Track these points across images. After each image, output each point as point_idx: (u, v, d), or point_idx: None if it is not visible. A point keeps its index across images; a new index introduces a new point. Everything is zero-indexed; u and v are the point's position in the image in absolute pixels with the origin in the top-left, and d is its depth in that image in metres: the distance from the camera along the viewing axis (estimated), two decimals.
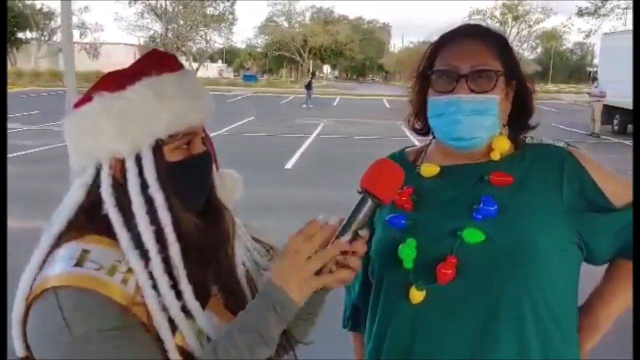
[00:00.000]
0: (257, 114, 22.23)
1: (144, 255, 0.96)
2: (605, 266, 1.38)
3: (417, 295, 1.24)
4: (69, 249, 0.96)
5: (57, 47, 49.22)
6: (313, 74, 32.74)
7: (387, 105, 31.77)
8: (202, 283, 1.01)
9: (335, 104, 32.18)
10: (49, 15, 50.34)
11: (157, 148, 1.00)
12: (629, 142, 16.06)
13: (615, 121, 18.42)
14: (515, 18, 51.20)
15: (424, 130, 1.40)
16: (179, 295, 0.97)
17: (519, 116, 1.35)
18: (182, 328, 0.96)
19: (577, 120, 21.15)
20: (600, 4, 32.76)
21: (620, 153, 13.44)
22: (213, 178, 1.12)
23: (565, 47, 59.99)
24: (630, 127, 18.13)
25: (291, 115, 22.34)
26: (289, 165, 11.39)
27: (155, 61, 1.05)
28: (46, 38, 52.72)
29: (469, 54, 1.28)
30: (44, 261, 0.97)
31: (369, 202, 1.07)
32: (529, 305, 1.21)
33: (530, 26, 54.49)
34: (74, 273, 0.93)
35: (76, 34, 51.73)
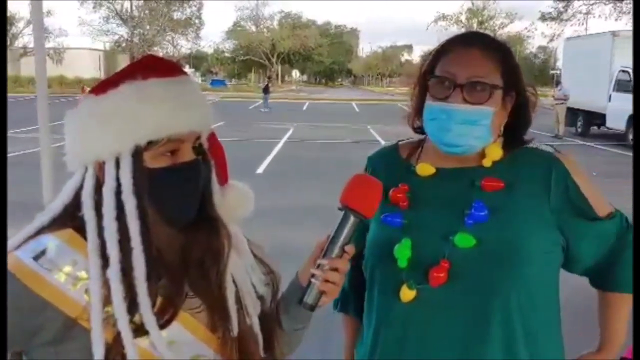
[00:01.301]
0: (226, 119, 22.10)
1: (106, 263, 0.94)
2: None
3: (407, 294, 1.27)
4: (39, 241, 0.96)
5: (19, 53, 48.14)
6: (269, 78, 33.13)
7: (357, 109, 31.92)
8: (170, 298, 0.98)
9: (304, 108, 32.20)
10: (11, 20, 49.20)
11: (136, 153, 0.97)
12: (591, 144, 16.45)
13: (579, 123, 18.84)
14: (480, 23, 52.01)
15: (422, 129, 1.42)
16: (136, 307, 0.94)
17: (516, 127, 1.36)
18: (126, 343, 0.92)
19: (542, 122, 21.54)
20: (562, 9, 33.52)
21: (583, 154, 13.75)
22: (211, 190, 1.06)
23: (529, 51, 61.30)
24: (593, 129, 18.57)
25: (260, 120, 22.26)
26: (259, 170, 11.34)
27: (145, 66, 1.03)
28: (7, 43, 51.52)
29: (468, 63, 1.29)
30: (18, 247, 0.97)
31: (352, 219, 1.08)
32: (516, 305, 1.25)
33: (494, 31, 55.42)
34: (25, 265, 0.94)
35: None
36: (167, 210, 1.00)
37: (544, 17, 35.57)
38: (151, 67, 1.02)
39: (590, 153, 14.42)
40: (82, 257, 0.95)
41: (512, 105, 1.34)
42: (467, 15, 53.92)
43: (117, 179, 0.96)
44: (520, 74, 1.35)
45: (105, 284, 0.93)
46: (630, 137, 15.49)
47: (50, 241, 0.96)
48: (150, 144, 0.97)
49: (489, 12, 54.05)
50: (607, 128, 17.46)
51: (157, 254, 0.97)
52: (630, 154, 14.17)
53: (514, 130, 1.36)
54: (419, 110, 1.39)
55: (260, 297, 1.12)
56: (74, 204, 1.00)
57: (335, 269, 1.08)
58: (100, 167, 0.99)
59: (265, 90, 30.13)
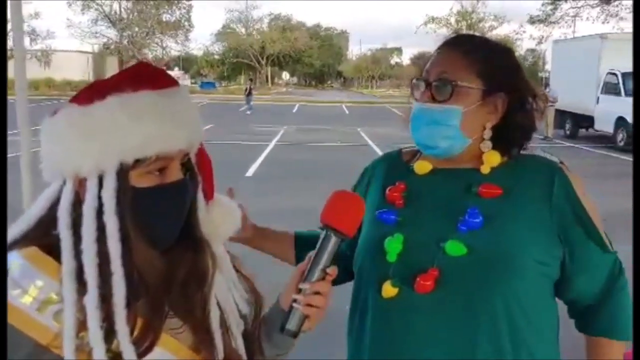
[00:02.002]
0: (215, 121, 22.03)
1: (82, 287, 0.86)
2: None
3: (389, 291, 1.24)
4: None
5: (7, 55, 47.66)
6: (251, 80, 33.66)
7: (346, 112, 31.94)
8: (150, 323, 0.91)
9: (294, 110, 32.16)
10: None
11: (122, 172, 0.90)
12: (579, 146, 16.55)
13: (567, 126, 18.95)
14: (470, 26, 52.27)
15: None
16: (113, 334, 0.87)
17: (508, 133, 1.30)
18: None
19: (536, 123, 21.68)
20: (550, 12, 33.75)
21: (571, 156, 13.83)
22: (196, 208, 1.00)
23: (518, 54, 61.49)
24: (581, 131, 18.68)
25: (251, 123, 22.21)
26: (249, 173, 11.29)
27: (135, 76, 0.95)
28: None
29: (440, 61, 1.29)
30: None
31: (333, 239, 1.03)
32: (505, 319, 1.21)
33: (484, 33, 55.64)
34: None
35: (26, 41, 50.31)
36: (151, 232, 0.93)
37: (532, 20, 35.80)
38: (142, 77, 0.95)
39: (579, 155, 14.50)
40: (49, 278, 0.88)
41: (506, 108, 1.29)
42: (456, 18, 54.17)
43: (99, 198, 0.89)
44: (512, 75, 1.30)
45: (81, 310, 0.86)
46: (619, 138, 15.61)
47: (15, 260, 0.89)
48: (137, 161, 0.90)
49: (477, 15, 54.35)
50: (595, 130, 17.57)
51: (138, 277, 0.91)
52: (619, 155, 14.29)
53: (505, 135, 1.29)
54: None
55: (244, 317, 1.07)
56: (49, 219, 0.93)
57: (318, 293, 1.03)
58: (80, 183, 0.91)
59: (248, 92, 30.26)
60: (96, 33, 50.64)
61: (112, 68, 47.71)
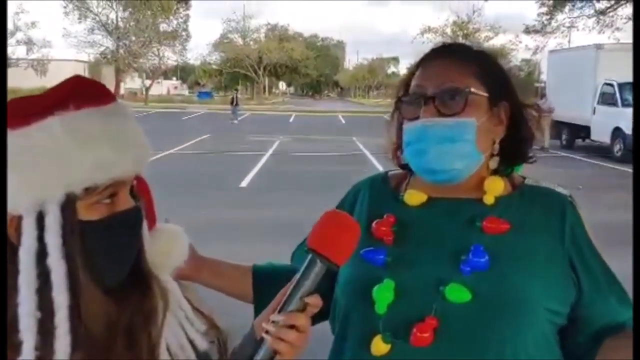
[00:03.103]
0: (211, 131, 21.98)
1: (13, 349, 0.72)
2: None
3: (380, 347, 1.07)
4: None
5: None
6: (237, 90, 33.78)
7: (343, 121, 31.93)
8: None
9: (291, 120, 32.12)
10: None
11: (68, 203, 0.76)
12: (575, 156, 16.54)
13: (564, 136, 18.93)
14: (466, 36, 52.50)
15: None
16: None
17: (514, 145, 1.17)
18: None
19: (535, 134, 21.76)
20: (546, 22, 33.88)
21: (568, 167, 13.81)
22: (142, 239, 0.87)
23: (513, 64, 62.12)
24: (577, 141, 18.68)
25: (246, 133, 22.13)
26: (243, 183, 11.22)
27: (76, 90, 0.82)
28: None
29: (438, 72, 1.14)
30: None
31: (318, 265, 0.89)
32: None
33: (480, 43, 55.71)
34: None
35: (23, 50, 50.31)
36: (101, 272, 0.80)
37: (528, 30, 35.90)
38: (82, 92, 0.82)
39: (576, 166, 14.49)
40: None
41: (508, 119, 1.16)
42: (452, 28, 54.40)
43: (40, 239, 0.75)
44: (509, 82, 1.18)
45: None
46: (615, 149, 15.60)
47: None
48: (86, 190, 0.77)
49: (473, 25, 54.61)
50: (592, 140, 17.57)
51: (83, 327, 0.77)
52: (615, 166, 14.27)
53: (512, 148, 1.17)
54: (401, 141, 1.19)
55: (202, 355, 0.93)
56: None
57: (293, 326, 0.89)
58: (11, 222, 0.77)
59: (234, 102, 30.23)
60: (92, 42, 50.64)
61: (108, 77, 47.69)
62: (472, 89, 1.11)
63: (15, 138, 0.77)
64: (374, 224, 1.17)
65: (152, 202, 0.95)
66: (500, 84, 1.17)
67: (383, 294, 1.08)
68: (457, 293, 1.05)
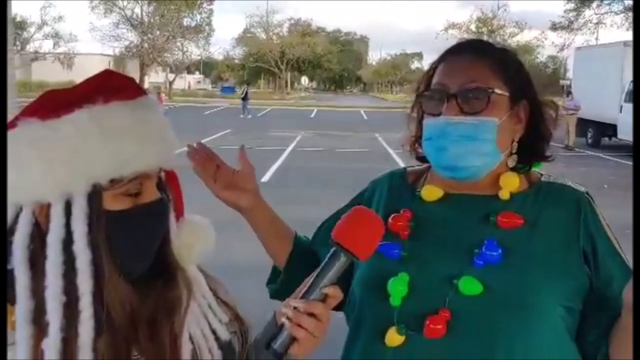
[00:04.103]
0: (233, 126, 22.09)
1: (41, 330, 0.75)
2: None
3: (395, 339, 1.09)
4: None
5: (30, 57, 48.51)
6: (248, 84, 33.35)
7: (365, 117, 31.87)
8: None
9: (312, 115, 32.15)
10: (22, 24, 49.64)
11: (94, 194, 0.79)
12: (602, 155, 16.29)
13: (589, 134, 18.67)
14: (491, 32, 51.94)
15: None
16: None
17: (531, 143, 1.18)
18: None
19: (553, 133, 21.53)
20: (572, 19, 33.40)
21: (593, 166, 13.62)
22: (169, 231, 0.90)
23: (539, 61, 61.16)
24: (604, 139, 18.40)
25: (268, 128, 22.21)
26: (265, 178, 11.26)
27: (105, 85, 0.84)
28: (19, 48, 52.00)
29: (461, 70, 1.14)
30: None
31: (342, 258, 0.93)
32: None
33: (504, 40, 55.35)
34: None
35: (50, 44, 51.09)
36: (124, 261, 0.82)
37: (554, 27, 35.45)
38: (111, 86, 0.84)
39: (601, 164, 14.26)
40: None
41: (527, 119, 1.17)
42: (477, 25, 53.89)
43: (67, 226, 0.78)
44: (529, 80, 1.19)
45: (37, 356, 0.76)
46: None
47: None
48: (112, 182, 0.80)
49: (499, 21, 53.99)
50: (619, 139, 17.29)
51: (106, 314, 0.80)
52: None
53: (530, 147, 1.18)
54: (420, 135, 1.22)
55: (225, 345, 0.96)
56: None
57: (312, 314, 0.91)
58: (42, 209, 0.80)
59: (244, 97, 30.00)
60: (117, 37, 51.20)
61: (133, 71, 48.20)
62: (495, 90, 1.12)
63: (44, 129, 0.80)
64: (390, 219, 1.19)
65: (181, 194, 0.98)
66: (521, 83, 1.17)
67: (397, 287, 1.10)
68: (469, 286, 1.07)
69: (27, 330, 0.76)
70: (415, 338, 1.08)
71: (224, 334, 0.96)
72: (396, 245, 1.15)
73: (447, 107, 1.11)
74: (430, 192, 1.20)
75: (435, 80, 1.17)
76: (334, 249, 0.94)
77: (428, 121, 1.16)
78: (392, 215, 1.19)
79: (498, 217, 1.13)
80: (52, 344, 0.75)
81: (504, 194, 1.15)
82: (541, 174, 1.22)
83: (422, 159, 1.27)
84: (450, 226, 1.16)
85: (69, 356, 0.76)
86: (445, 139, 1.11)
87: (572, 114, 17.88)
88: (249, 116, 27.79)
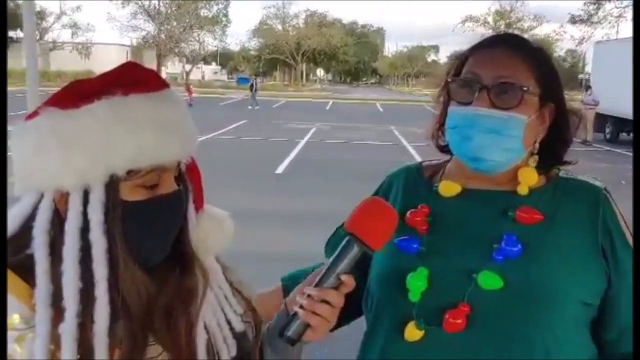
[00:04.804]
0: (248, 117, 22.14)
1: (59, 314, 0.78)
2: None
3: (414, 334, 1.09)
4: None
5: (48, 47, 48.95)
6: (256, 76, 33.08)
7: (381, 110, 31.76)
8: (129, 356, 0.83)
9: (327, 108, 32.11)
10: (41, 14, 50.04)
11: (112, 184, 0.81)
12: (620, 151, 16.08)
13: (607, 129, 18.44)
14: (508, 25, 51.40)
15: (448, 147, 1.22)
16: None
17: (553, 147, 1.18)
18: None
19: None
20: (592, 12, 32.93)
21: (611, 161, 13.46)
22: (187, 222, 0.91)
23: (557, 55, 60.53)
24: (622, 135, 18.16)
25: (283, 120, 22.23)
26: (279, 170, 11.28)
27: (126, 77, 0.85)
28: (38, 37, 52.44)
29: (495, 63, 1.13)
30: None
31: (355, 249, 0.94)
32: (542, 358, 1.06)
33: (522, 33, 54.78)
34: None
35: (68, 33, 51.45)
36: (141, 250, 0.84)
37: (573, 20, 35.00)
38: (132, 79, 0.85)
39: (620, 160, 14.08)
40: (13, 298, 0.80)
41: (551, 121, 1.16)
42: (494, 17, 53.37)
43: (85, 215, 0.80)
44: (560, 83, 1.18)
45: (55, 339, 0.77)
46: None
47: None
48: (129, 173, 0.81)
49: (516, 14, 53.43)
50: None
51: (121, 301, 0.82)
52: None
53: (551, 150, 1.17)
54: (443, 122, 1.20)
55: (240, 335, 0.98)
56: (19, 237, 0.84)
57: (326, 302, 0.93)
58: (61, 197, 0.82)
59: (253, 89, 29.88)
60: (135, 27, 51.45)
61: (149, 61, 48.41)
62: (529, 87, 1.12)
63: (64, 118, 0.81)
64: (408, 214, 1.18)
65: (201, 185, 0.98)
66: (552, 84, 1.16)
67: (416, 282, 1.10)
68: (489, 280, 1.07)
69: (47, 313, 0.78)
70: (435, 332, 1.08)
71: (239, 325, 0.98)
72: (414, 240, 1.15)
73: (479, 98, 1.10)
74: (448, 188, 1.19)
75: (467, 68, 1.16)
76: (347, 238, 0.95)
77: (455, 109, 1.15)
78: (410, 211, 1.19)
79: (517, 212, 1.12)
80: (68, 329, 0.78)
81: (523, 189, 1.15)
82: (559, 169, 1.22)
83: (442, 148, 1.26)
84: (468, 221, 1.16)
85: (85, 341, 0.78)
86: (472, 128, 1.10)
87: (590, 109, 17.68)
88: (257, 107, 27.70)
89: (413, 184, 1.27)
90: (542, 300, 1.06)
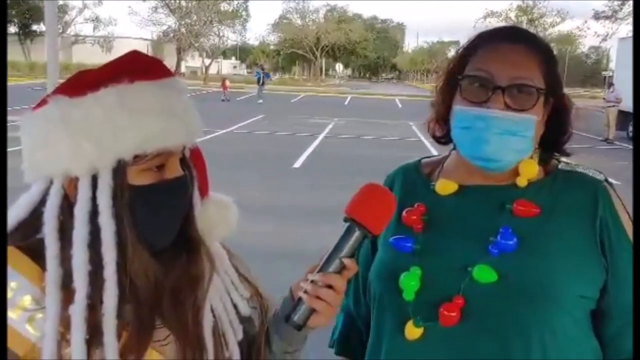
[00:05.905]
0: (266, 112, 22.18)
1: (69, 296, 0.80)
2: None
3: (413, 332, 1.10)
4: None
5: (71, 41, 49.46)
6: (263, 69, 33.30)
7: (400, 106, 31.61)
8: (137, 334, 0.85)
9: (346, 103, 32.04)
10: (64, 8, 50.61)
11: (119, 169, 0.83)
12: None
13: (630, 127, 18.15)
14: (531, 21, 50.82)
15: (445, 138, 1.21)
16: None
17: (554, 138, 1.17)
18: None
19: (592, 125, 21.01)
20: (617, 8, 32.41)
21: (631, 160, 13.23)
22: (193, 207, 0.93)
23: (580, 51, 59.59)
24: None
25: (301, 114, 22.24)
26: (297, 164, 11.30)
27: (131, 65, 0.88)
28: (60, 30, 53.03)
29: (510, 62, 1.09)
30: None
31: (356, 233, 0.95)
32: (541, 355, 1.05)
33: (545, 29, 54.07)
34: None
35: (90, 27, 51.99)
36: (147, 234, 0.86)
37: (597, 16, 34.49)
38: (137, 67, 0.88)
39: None
40: (25, 279, 0.82)
41: (549, 113, 1.15)
42: (516, 13, 52.77)
43: (93, 199, 0.82)
44: (560, 77, 1.17)
45: (64, 320, 0.80)
46: None
47: None
48: (136, 158, 0.83)
49: (539, 10, 52.77)
50: None
51: (129, 284, 0.84)
52: None
53: (553, 142, 1.17)
54: (443, 116, 1.18)
55: (246, 319, 1.00)
56: (30, 222, 0.86)
57: (330, 286, 0.94)
58: (70, 182, 0.84)
59: (260, 82, 29.76)
60: (155, 21, 51.81)
61: (170, 55, 48.71)
62: (543, 88, 1.10)
63: (72, 106, 0.83)
64: (404, 212, 1.18)
65: (206, 172, 1.01)
66: (556, 80, 1.15)
67: (410, 282, 1.11)
68: (484, 273, 1.06)
69: (56, 295, 0.81)
70: (433, 328, 1.08)
71: (245, 309, 1.01)
72: (409, 239, 1.15)
73: (494, 99, 1.07)
74: (444, 186, 1.18)
75: (478, 64, 1.12)
76: (348, 224, 0.96)
77: (467, 109, 1.11)
78: (406, 209, 1.18)
79: (514, 205, 1.11)
80: (77, 310, 0.80)
81: (522, 182, 1.13)
82: (559, 161, 1.20)
83: (438, 139, 1.24)
84: (465, 217, 1.15)
85: (94, 322, 0.80)
86: (486, 131, 1.08)
87: (612, 107, 17.41)
88: (260, 101, 27.47)
89: (411, 182, 1.26)
90: (537, 293, 1.05)
